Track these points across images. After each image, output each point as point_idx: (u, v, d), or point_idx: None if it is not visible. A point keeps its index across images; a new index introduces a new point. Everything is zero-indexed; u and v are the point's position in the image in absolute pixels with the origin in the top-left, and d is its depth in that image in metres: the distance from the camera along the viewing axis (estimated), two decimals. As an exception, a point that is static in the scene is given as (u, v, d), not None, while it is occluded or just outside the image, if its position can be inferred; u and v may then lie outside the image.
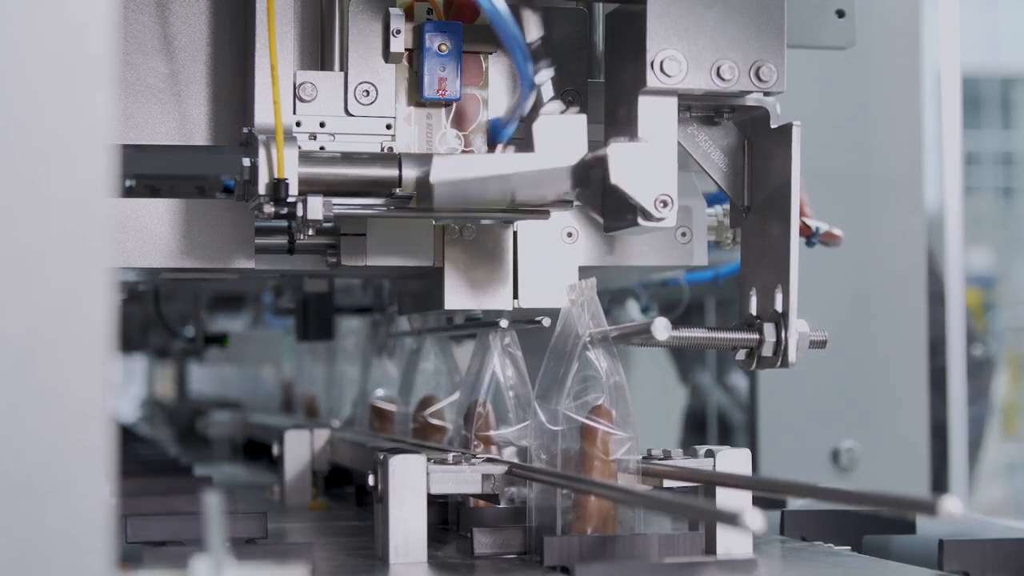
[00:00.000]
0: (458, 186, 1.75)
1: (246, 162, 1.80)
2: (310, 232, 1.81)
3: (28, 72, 1.09)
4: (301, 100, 1.84)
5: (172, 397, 5.89)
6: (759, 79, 1.76)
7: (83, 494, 1.08)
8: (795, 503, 2.18)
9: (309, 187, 1.76)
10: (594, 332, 1.78)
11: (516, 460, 1.94)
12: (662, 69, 1.74)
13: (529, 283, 2.01)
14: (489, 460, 1.84)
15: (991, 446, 6.24)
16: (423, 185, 1.76)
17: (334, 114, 1.85)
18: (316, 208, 1.76)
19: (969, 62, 5.35)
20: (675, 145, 1.79)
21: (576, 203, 1.90)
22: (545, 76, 1.77)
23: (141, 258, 1.93)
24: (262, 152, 1.75)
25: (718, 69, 1.75)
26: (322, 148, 1.84)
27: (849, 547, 1.95)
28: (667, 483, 1.80)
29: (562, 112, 1.78)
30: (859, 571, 1.79)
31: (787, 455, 3.22)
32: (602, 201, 1.93)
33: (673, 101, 1.78)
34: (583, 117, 1.79)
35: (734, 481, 1.76)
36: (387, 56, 1.84)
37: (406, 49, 1.84)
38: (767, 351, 1.79)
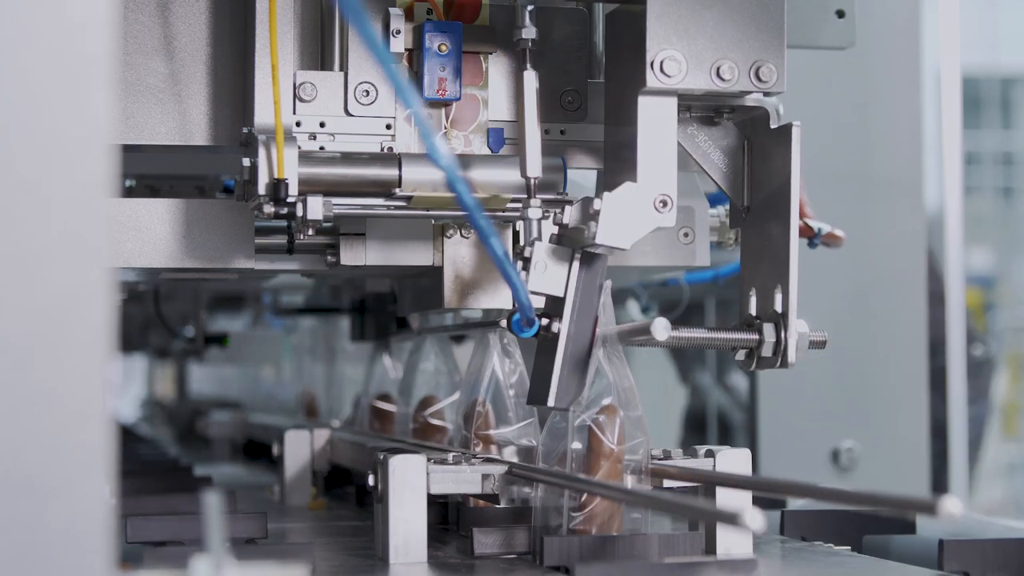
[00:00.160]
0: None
1: (246, 162, 1.80)
2: (310, 232, 1.81)
3: (28, 72, 1.09)
4: (301, 100, 1.84)
5: (172, 397, 5.89)
6: (759, 79, 1.76)
7: (83, 494, 1.08)
8: (795, 503, 2.18)
9: (309, 187, 1.76)
10: (600, 332, 1.78)
11: (516, 460, 1.94)
12: (662, 69, 1.74)
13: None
14: (489, 460, 1.84)
15: (991, 446, 6.24)
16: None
17: (334, 114, 1.85)
18: (316, 208, 1.76)
19: (969, 62, 5.35)
20: (675, 145, 1.79)
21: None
22: (535, 214, 1.80)
23: (141, 258, 1.93)
24: (262, 152, 1.75)
25: (718, 69, 1.75)
26: (322, 148, 1.84)
27: (849, 547, 1.95)
28: (667, 483, 1.80)
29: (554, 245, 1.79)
30: (859, 571, 1.79)
31: (787, 455, 3.22)
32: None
33: (673, 101, 1.78)
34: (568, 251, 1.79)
35: (734, 481, 1.76)
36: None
37: (406, 49, 1.84)
38: (767, 351, 1.79)
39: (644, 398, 1.80)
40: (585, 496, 1.76)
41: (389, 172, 1.80)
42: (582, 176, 2.26)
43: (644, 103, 1.77)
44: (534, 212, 1.79)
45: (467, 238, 2.00)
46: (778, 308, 1.79)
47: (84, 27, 1.10)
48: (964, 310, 3.94)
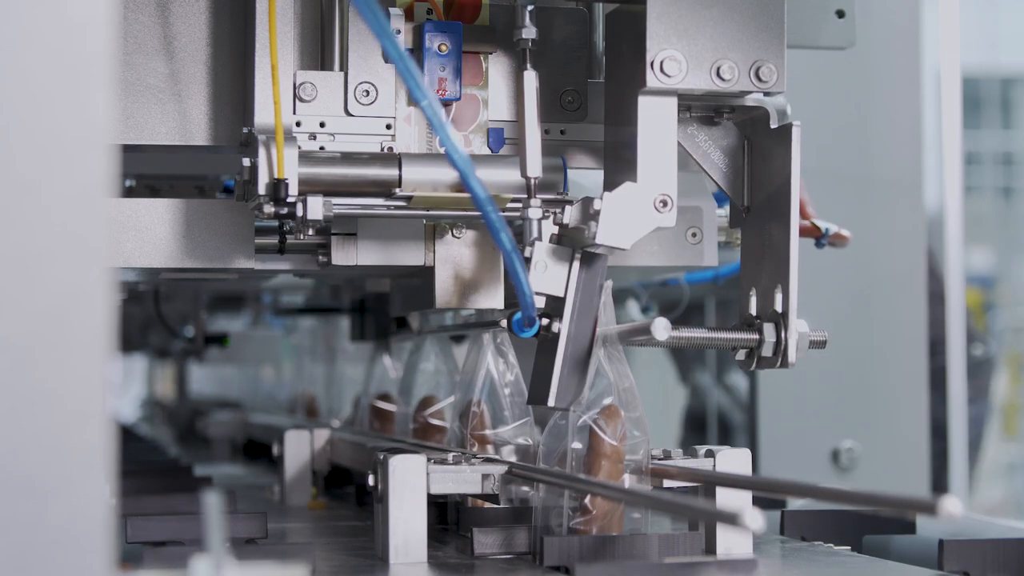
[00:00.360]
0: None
1: (246, 162, 1.80)
2: (310, 232, 1.81)
3: (28, 72, 1.09)
4: (301, 100, 1.84)
5: (172, 397, 5.89)
6: (759, 79, 1.76)
7: (83, 494, 1.08)
8: (795, 503, 2.18)
9: (309, 187, 1.76)
10: (600, 332, 1.78)
11: (515, 459, 1.94)
12: (662, 69, 1.74)
13: None
14: (489, 460, 1.84)
15: (991, 446, 6.24)
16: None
17: (334, 114, 1.85)
18: (316, 208, 1.76)
19: (969, 62, 5.35)
20: (675, 145, 1.79)
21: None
22: (535, 214, 1.80)
23: (141, 258, 1.93)
24: (262, 152, 1.75)
25: (718, 69, 1.75)
26: (322, 148, 1.84)
27: (849, 547, 1.95)
28: (667, 483, 1.80)
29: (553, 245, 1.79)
30: (859, 571, 1.79)
31: (787, 455, 3.22)
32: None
33: (673, 101, 1.78)
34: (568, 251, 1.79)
35: (734, 481, 1.76)
36: (387, 56, 1.84)
37: (406, 49, 1.84)
38: (767, 351, 1.79)
39: (644, 398, 1.81)
40: (588, 497, 1.76)
41: (389, 172, 1.80)
42: (583, 176, 2.26)
43: (644, 103, 1.77)
44: (534, 212, 1.79)
45: (458, 238, 2.00)
46: (778, 308, 1.79)
47: (84, 27, 1.10)
48: (964, 310, 3.94)
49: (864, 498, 1.53)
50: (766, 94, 1.79)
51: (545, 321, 1.78)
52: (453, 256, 2.00)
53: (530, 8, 1.80)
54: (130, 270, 2.07)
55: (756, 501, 1.82)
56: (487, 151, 1.91)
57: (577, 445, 1.78)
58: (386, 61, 1.85)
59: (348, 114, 1.85)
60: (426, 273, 2.02)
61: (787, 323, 1.78)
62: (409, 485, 1.77)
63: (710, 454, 1.82)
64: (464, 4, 1.88)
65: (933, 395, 3.39)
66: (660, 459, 1.83)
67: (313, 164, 1.77)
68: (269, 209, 1.74)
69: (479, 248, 2.00)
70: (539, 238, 1.79)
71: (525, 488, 1.89)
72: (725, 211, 2.16)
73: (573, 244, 1.79)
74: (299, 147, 1.76)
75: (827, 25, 2.17)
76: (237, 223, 1.96)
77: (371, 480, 1.81)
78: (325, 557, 1.87)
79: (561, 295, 1.78)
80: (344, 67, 1.86)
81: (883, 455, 3.27)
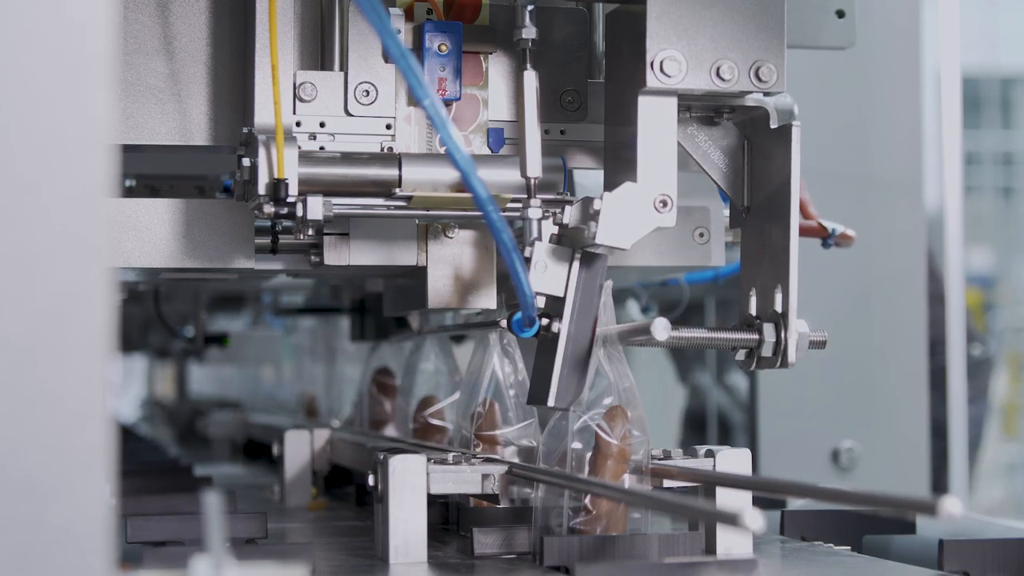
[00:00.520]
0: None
1: (246, 162, 1.80)
2: (310, 232, 1.81)
3: (28, 72, 1.09)
4: (301, 100, 1.84)
5: (172, 397, 5.89)
6: (759, 79, 1.76)
7: (83, 494, 1.08)
8: (795, 503, 2.18)
9: (309, 187, 1.76)
10: (598, 331, 1.78)
11: (517, 459, 1.93)
12: (662, 69, 1.74)
13: None
14: (489, 460, 1.84)
15: (990, 446, 6.24)
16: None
17: (334, 114, 1.85)
18: (316, 208, 1.76)
19: (969, 62, 5.35)
20: (675, 145, 1.79)
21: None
22: (535, 214, 1.80)
23: (141, 258, 1.93)
24: (262, 152, 1.75)
25: (718, 69, 1.75)
26: (322, 148, 1.84)
27: (849, 547, 1.95)
28: (667, 483, 1.80)
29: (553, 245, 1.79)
30: (859, 571, 1.79)
31: (787, 455, 3.22)
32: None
33: (673, 101, 1.78)
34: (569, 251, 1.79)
35: (734, 481, 1.76)
36: (387, 56, 1.84)
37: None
38: (767, 351, 1.79)
39: (644, 398, 1.81)
40: (590, 497, 1.76)
41: (389, 172, 1.80)
42: (583, 176, 2.26)
43: (644, 103, 1.77)
44: (534, 212, 1.79)
45: (451, 238, 2.00)
46: (778, 308, 1.79)
47: (84, 27, 1.10)
48: (964, 310, 3.94)
49: (864, 498, 1.53)
50: (766, 94, 1.79)
51: (545, 321, 1.78)
52: (446, 256, 2.00)
53: (530, 8, 1.80)
54: (130, 270, 2.07)
55: (756, 501, 1.82)
56: (487, 151, 1.91)
57: (577, 445, 1.78)
58: (387, 61, 1.85)
59: (348, 114, 1.85)
60: (419, 273, 2.02)
61: (787, 323, 1.78)
62: (409, 485, 1.77)
63: (710, 454, 1.82)
64: (464, 4, 1.88)
65: (933, 395, 3.39)
66: (660, 459, 1.83)
67: (313, 164, 1.77)
68: (269, 209, 1.74)
69: (472, 248, 2.00)
70: (539, 238, 1.79)
71: (527, 489, 1.89)
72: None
73: (573, 244, 1.79)
74: (299, 147, 1.76)
75: (827, 25, 2.17)
76: (237, 223, 1.96)
77: (371, 480, 1.81)
78: (325, 557, 1.87)
79: (561, 295, 1.78)
80: (344, 67, 1.86)
81: (883, 455, 3.27)
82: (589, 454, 1.78)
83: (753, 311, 1.83)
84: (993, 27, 9.93)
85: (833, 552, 1.90)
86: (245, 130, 1.85)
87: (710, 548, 1.78)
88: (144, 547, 1.73)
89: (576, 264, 1.79)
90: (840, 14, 2.17)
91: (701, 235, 2.09)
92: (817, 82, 3.16)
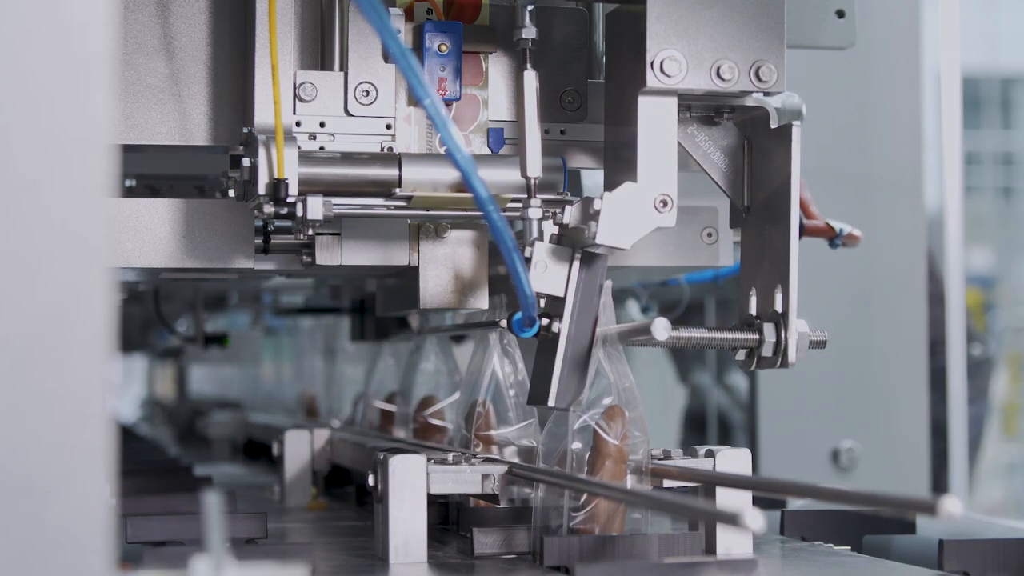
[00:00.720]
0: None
1: (246, 162, 1.80)
2: (309, 232, 1.81)
3: (28, 72, 1.09)
4: (301, 100, 1.84)
5: (172, 397, 5.90)
6: (759, 79, 1.76)
7: (83, 494, 1.08)
8: (795, 503, 2.18)
9: (309, 187, 1.76)
10: (600, 332, 1.78)
11: (517, 460, 1.93)
12: (662, 69, 1.74)
13: None
14: (489, 460, 1.84)
15: (990, 446, 6.24)
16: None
17: (334, 114, 1.85)
18: (316, 208, 1.76)
19: (969, 62, 5.35)
20: (675, 145, 1.79)
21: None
22: (535, 214, 1.79)
23: (141, 258, 1.93)
24: (262, 152, 1.75)
25: (718, 69, 1.75)
26: (322, 148, 1.84)
27: (849, 547, 1.95)
28: (667, 483, 1.80)
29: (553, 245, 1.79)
30: (859, 571, 1.79)
31: (787, 455, 3.22)
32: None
33: (673, 101, 1.78)
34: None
35: (734, 481, 1.76)
36: (387, 56, 1.84)
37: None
38: (767, 351, 1.79)
39: (644, 398, 1.81)
40: (586, 496, 1.76)
41: (389, 172, 1.80)
42: (588, 177, 2.26)
43: (644, 103, 1.77)
44: (534, 212, 1.79)
45: (444, 238, 2.00)
46: (778, 308, 1.79)
47: (84, 27, 1.10)
48: (964, 310, 3.94)
49: (864, 498, 1.53)
50: (766, 94, 1.79)
51: (545, 321, 1.78)
52: (438, 256, 2.00)
53: (530, 8, 1.80)
54: (130, 270, 2.07)
55: (756, 501, 1.82)
56: (487, 151, 1.91)
57: (577, 445, 1.78)
58: (387, 61, 1.85)
59: (348, 114, 1.85)
60: (411, 273, 2.02)
61: (787, 323, 1.78)
62: (409, 485, 1.77)
63: (710, 454, 1.82)
64: (464, 4, 1.88)
65: (933, 395, 3.39)
66: (660, 459, 1.83)
67: (313, 164, 1.77)
68: (269, 209, 1.75)
69: (465, 248, 2.00)
70: (539, 238, 1.79)
71: (527, 489, 1.89)
72: None
73: (573, 244, 1.79)
74: (299, 147, 1.76)
75: (827, 25, 2.17)
76: (237, 223, 1.96)
77: (371, 480, 1.81)
78: (325, 557, 1.87)
79: (561, 295, 1.78)
80: (344, 67, 1.86)
81: (883, 455, 3.27)
82: (588, 454, 1.78)
83: (753, 311, 1.83)
84: (993, 27, 9.93)
85: (833, 552, 1.90)
86: (245, 130, 1.85)
87: (710, 548, 1.78)
88: (144, 547, 1.73)
89: (576, 264, 1.79)
90: (840, 14, 2.17)
91: (709, 235, 2.09)
92: (817, 82, 3.16)
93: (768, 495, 2.13)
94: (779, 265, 1.79)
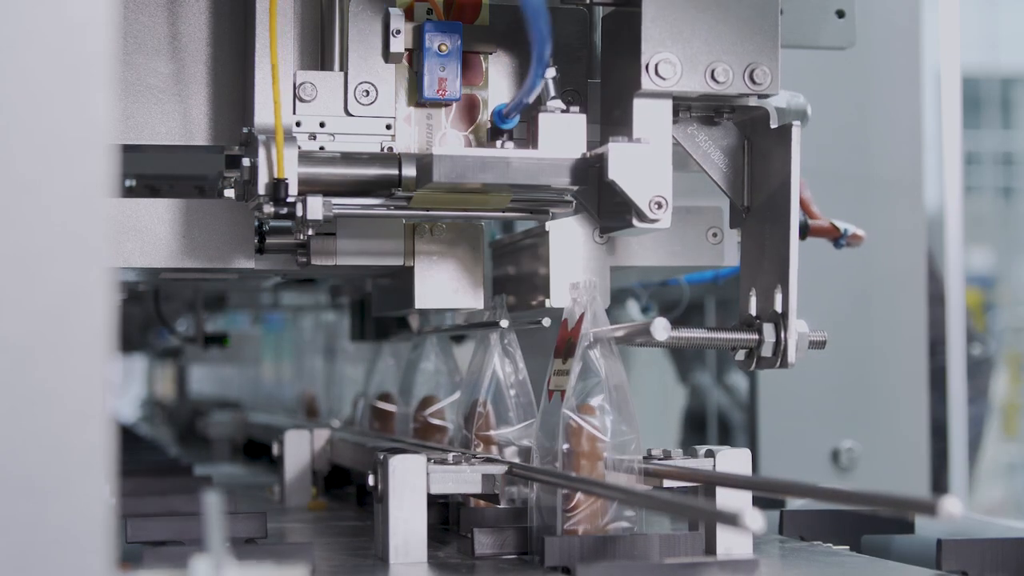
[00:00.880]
0: (459, 162, 1.74)
1: (246, 162, 1.80)
2: (309, 232, 1.81)
3: (28, 72, 1.09)
4: (301, 100, 1.84)
5: (172, 397, 5.90)
6: (753, 81, 1.76)
7: (83, 494, 1.08)
8: (794, 503, 2.18)
9: (309, 187, 1.76)
10: (595, 332, 1.78)
11: (517, 460, 1.93)
12: (657, 72, 1.74)
13: (561, 284, 2.01)
14: (489, 460, 1.84)
15: (990, 446, 6.24)
16: (424, 168, 1.75)
17: (334, 114, 1.85)
18: (316, 208, 1.76)
19: (969, 62, 5.34)
20: (670, 147, 1.79)
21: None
22: (549, 73, 1.78)
23: (141, 258, 1.93)
24: (262, 152, 1.75)
25: (712, 72, 1.75)
26: (322, 148, 1.84)
27: (848, 547, 1.95)
28: (667, 483, 1.80)
29: (563, 111, 1.79)
30: (858, 571, 1.79)
31: (787, 455, 3.22)
32: (598, 202, 1.93)
33: (668, 103, 1.78)
34: (583, 116, 1.79)
35: (734, 481, 1.76)
36: (387, 56, 1.84)
37: (406, 49, 1.84)
38: (766, 351, 1.79)
39: (644, 398, 1.81)
40: (575, 497, 1.76)
41: (389, 172, 1.80)
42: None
43: (639, 105, 1.77)
44: (550, 72, 1.78)
45: (438, 238, 2.00)
46: (778, 308, 1.79)
47: (84, 27, 1.10)
48: (964, 310, 3.94)
49: (864, 498, 1.53)
50: (761, 96, 1.79)
51: None
52: (433, 256, 2.00)
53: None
54: (130, 270, 2.07)
55: (756, 501, 1.83)
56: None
57: (566, 445, 1.78)
58: (387, 61, 1.85)
59: (348, 114, 1.85)
60: (406, 273, 2.02)
61: (787, 323, 1.78)
62: (409, 485, 1.77)
63: (710, 454, 1.82)
64: (464, 4, 1.88)
65: (933, 395, 3.39)
66: (660, 459, 1.83)
67: (313, 164, 1.77)
68: (269, 209, 1.75)
69: (459, 248, 2.01)
70: (556, 96, 1.78)
71: (527, 489, 1.89)
72: None
73: None
74: (299, 147, 1.76)
75: (827, 25, 2.17)
76: (237, 223, 1.96)
77: (371, 480, 1.81)
78: (325, 557, 1.87)
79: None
80: (344, 67, 1.86)
81: (883, 455, 3.27)
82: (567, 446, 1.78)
83: (753, 311, 1.83)
84: (993, 27, 9.93)
85: (832, 552, 1.90)
86: (245, 130, 1.85)
87: (710, 548, 1.78)
88: (144, 547, 1.74)
89: None
90: (840, 14, 2.17)
91: (715, 235, 2.08)
92: (817, 82, 3.16)
93: (768, 495, 2.13)
94: (779, 265, 1.79)
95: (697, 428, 3.79)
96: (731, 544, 1.78)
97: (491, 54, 1.90)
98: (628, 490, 1.72)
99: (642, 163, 1.75)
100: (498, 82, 1.91)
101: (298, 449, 2.53)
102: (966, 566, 1.74)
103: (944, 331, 3.79)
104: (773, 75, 1.77)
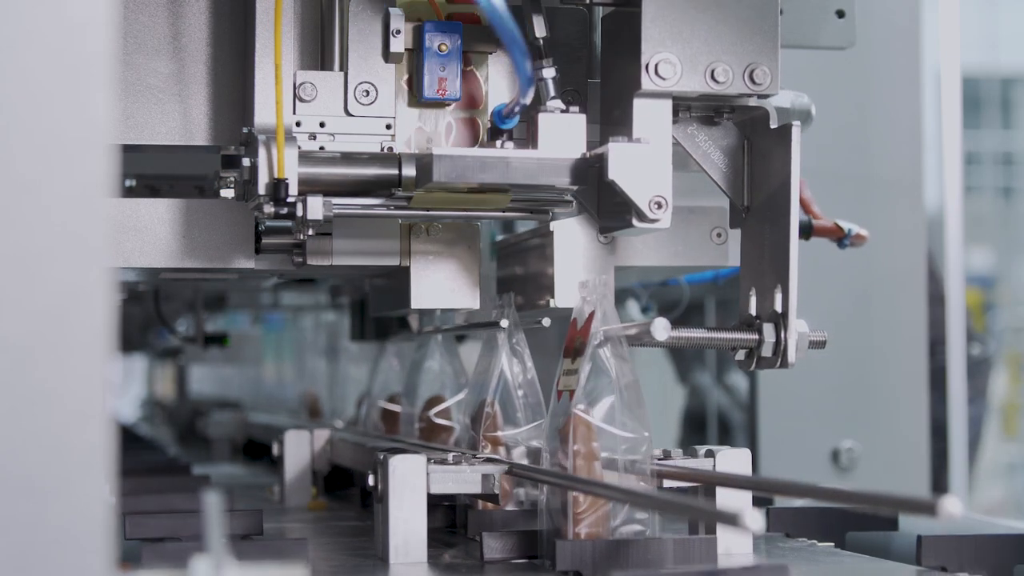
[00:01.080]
0: (458, 161, 1.74)
1: (246, 162, 1.80)
2: (309, 232, 1.81)
3: (28, 72, 1.09)
4: (301, 100, 1.84)
5: (172, 397, 5.90)
6: (753, 81, 1.76)
7: (83, 494, 1.08)
8: (782, 500, 2.18)
9: (309, 187, 1.76)
10: (605, 330, 1.78)
11: (526, 461, 1.93)
12: (656, 72, 1.74)
13: (565, 284, 2.00)
14: (489, 460, 1.84)
15: (990, 446, 6.24)
16: (424, 168, 1.75)
17: (334, 114, 1.85)
18: (316, 208, 1.76)
19: (969, 62, 5.34)
20: (670, 147, 1.79)
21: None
22: (548, 73, 1.78)
23: (141, 258, 1.93)
24: (262, 152, 1.75)
25: (712, 72, 1.75)
26: (322, 148, 1.84)
27: (832, 543, 1.95)
28: (667, 483, 1.80)
29: (563, 111, 1.79)
30: (841, 567, 1.79)
31: (787, 455, 3.22)
32: (598, 202, 1.93)
33: (668, 103, 1.78)
34: (583, 116, 1.79)
35: (734, 481, 1.76)
36: (387, 56, 1.84)
37: (406, 49, 1.84)
38: (766, 351, 1.79)
39: (643, 398, 1.80)
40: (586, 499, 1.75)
41: (389, 172, 1.80)
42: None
43: (639, 105, 1.77)
44: (548, 72, 1.78)
45: (434, 238, 2.00)
46: (778, 308, 1.79)
47: (84, 27, 1.10)
48: (964, 310, 3.94)
49: (864, 498, 1.53)
50: (760, 96, 1.79)
51: None
52: (429, 256, 2.00)
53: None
54: (130, 270, 2.07)
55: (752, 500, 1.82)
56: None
57: (576, 446, 1.77)
58: (387, 60, 1.85)
59: (348, 114, 1.85)
60: (402, 273, 2.02)
61: (787, 323, 1.78)
62: (409, 485, 1.77)
63: (710, 454, 1.82)
64: (463, 4, 1.88)
65: (933, 395, 3.39)
66: (660, 459, 1.82)
67: (313, 164, 1.77)
68: (269, 209, 1.75)
69: (456, 248, 2.00)
70: (554, 96, 1.78)
71: (536, 491, 1.88)
72: None
73: None
74: (299, 147, 1.76)
75: (827, 25, 2.17)
76: (237, 223, 1.96)
77: (371, 480, 1.81)
78: (325, 557, 1.87)
79: None
80: (344, 67, 1.86)
81: (883, 455, 3.27)
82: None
83: (753, 311, 1.83)
84: (993, 27, 9.93)
85: (816, 548, 1.90)
86: (245, 130, 1.85)
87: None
88: (142, 544, 1.73)
89: None
90: (840, 14, 2.17)
91: (719, 235, 2.08)
92: (817, 82, 3.15)
93: (768, 495, 2.13)
94: (779, 265, 1.79)
95: (697, 428, 3.79)
96: (731, 544, 1.78)
97: (491, 54, 1.90)
98: (628, 490, 1.71)
99: (642, 163, 1.75)
100: (498, 82, 1.91)
101: (298, 449, 2.53)
102: (945, 561, 1.75)
103: (944, 331, 3.79)
104: (773, 75, 1.77)
